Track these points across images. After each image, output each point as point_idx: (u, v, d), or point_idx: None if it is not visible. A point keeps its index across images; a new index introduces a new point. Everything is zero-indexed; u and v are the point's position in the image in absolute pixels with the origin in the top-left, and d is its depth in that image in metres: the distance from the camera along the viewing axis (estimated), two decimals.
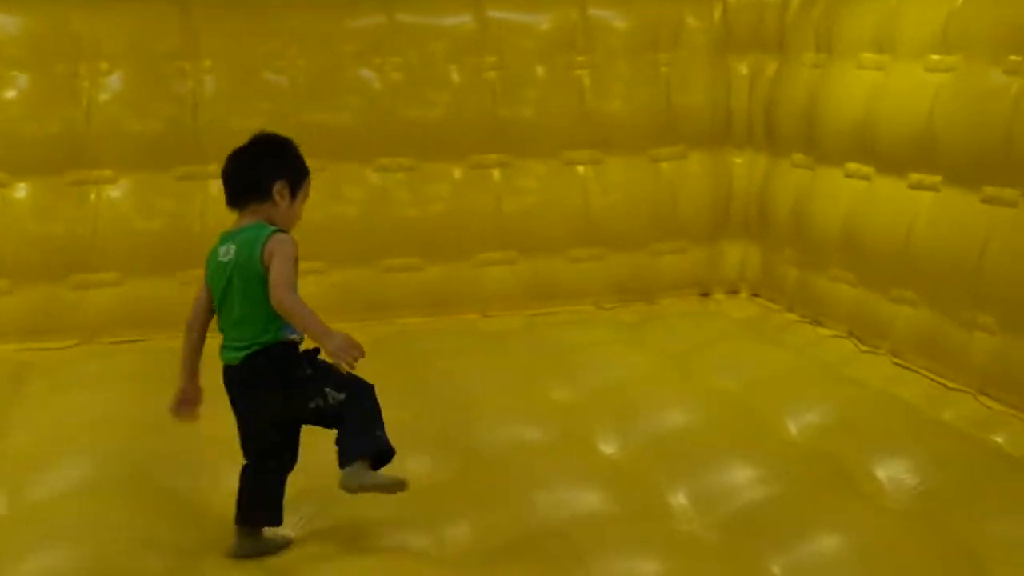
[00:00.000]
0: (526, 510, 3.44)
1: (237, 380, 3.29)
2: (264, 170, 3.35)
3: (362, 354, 3.10)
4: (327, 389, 3.21)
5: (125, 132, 5.55)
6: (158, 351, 5.05)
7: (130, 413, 4.24)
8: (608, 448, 4.06)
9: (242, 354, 3.25)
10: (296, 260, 3.26)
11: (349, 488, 3.16)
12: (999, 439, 4.10)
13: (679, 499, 3.59)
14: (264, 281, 3.20)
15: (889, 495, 3.64)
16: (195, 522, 3.47)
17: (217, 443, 3.68)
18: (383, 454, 3.21)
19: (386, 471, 3.21)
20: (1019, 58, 4.40)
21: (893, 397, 4.50)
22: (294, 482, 3.41)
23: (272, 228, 3.28)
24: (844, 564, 3.14)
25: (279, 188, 3.34)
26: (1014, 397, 4.33)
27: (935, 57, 4.86)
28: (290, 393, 3.24)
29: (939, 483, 3.65)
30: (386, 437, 3.20)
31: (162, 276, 5.51)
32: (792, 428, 4.20)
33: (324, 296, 5.55)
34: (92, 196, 5.50)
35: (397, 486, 3.20)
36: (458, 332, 5.52)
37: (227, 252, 3.28)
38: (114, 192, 5.53)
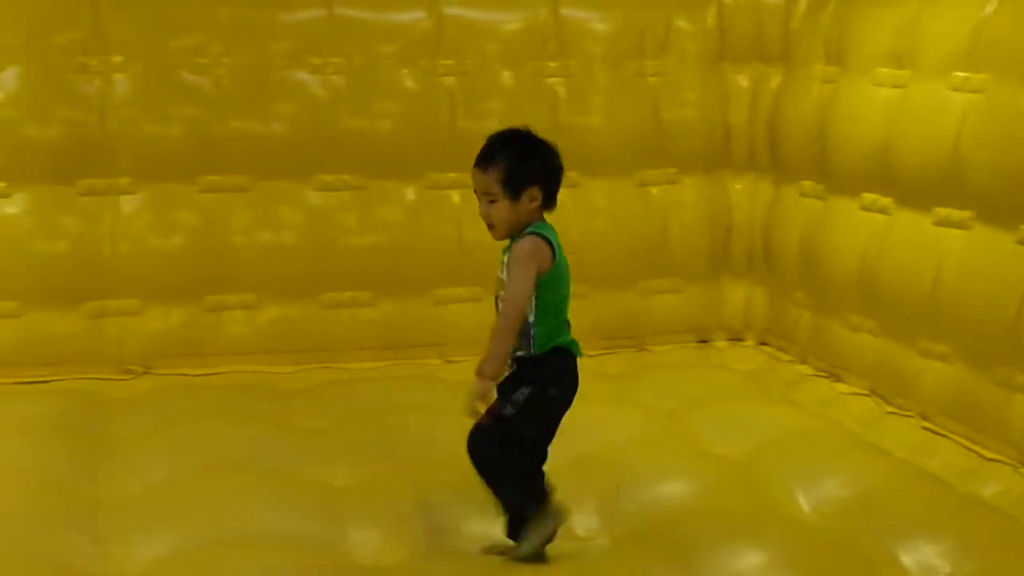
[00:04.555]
0: None
1: None
2: None
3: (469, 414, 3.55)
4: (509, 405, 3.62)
5: (20, 139, 5.28)
6: (63, 394, 4.88)
7: (23, 468, 4.10)
8: (586, 525, 3.88)
9: None
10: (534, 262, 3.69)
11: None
12: None
13: None
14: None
15: None
16: None
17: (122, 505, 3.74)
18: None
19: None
20: None
21: (922, 469, 4.35)
22: None
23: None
24: None
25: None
26: None
27: (961, 74, 4.67)
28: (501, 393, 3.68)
29: (973, 571, 3.57)
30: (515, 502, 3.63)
31: (66, 308, 5.27)
32: (804, 504, 4.07)
33: (256, 335, 5.47)
34: None
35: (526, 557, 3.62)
36: (414, 380, 5.28)
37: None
38: (9, 208, 5.26)
